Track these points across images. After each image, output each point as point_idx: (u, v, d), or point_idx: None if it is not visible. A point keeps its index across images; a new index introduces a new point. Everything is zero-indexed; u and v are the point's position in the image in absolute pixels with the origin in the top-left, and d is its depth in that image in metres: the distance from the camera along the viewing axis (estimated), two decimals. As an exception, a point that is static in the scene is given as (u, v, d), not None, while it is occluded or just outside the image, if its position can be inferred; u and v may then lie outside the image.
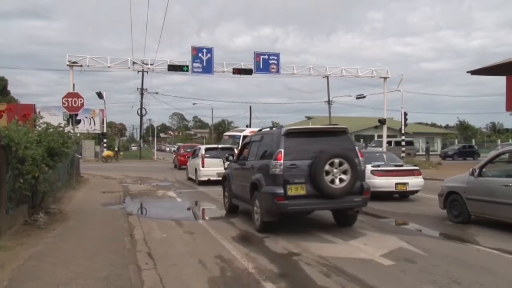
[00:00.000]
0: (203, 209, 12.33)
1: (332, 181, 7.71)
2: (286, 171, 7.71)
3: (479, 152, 43.45)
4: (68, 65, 25.30)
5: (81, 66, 25.77)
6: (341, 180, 7.76)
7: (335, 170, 7.73)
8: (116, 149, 43.97)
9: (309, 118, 62.36)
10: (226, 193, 11.07)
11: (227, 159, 11.27)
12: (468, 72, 23.51)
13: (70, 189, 14.56)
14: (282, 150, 7.82)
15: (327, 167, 7.68)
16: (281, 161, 7.74)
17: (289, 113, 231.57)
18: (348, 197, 7.89)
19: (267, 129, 9.57)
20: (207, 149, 18.22)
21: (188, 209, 12.70)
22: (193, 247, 7.16)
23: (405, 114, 31.55)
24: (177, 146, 45.53)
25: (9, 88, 51.18)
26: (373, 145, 40.12)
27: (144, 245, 7.25)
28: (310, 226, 8.58)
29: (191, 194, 15.10)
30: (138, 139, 70.61)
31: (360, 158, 8.20)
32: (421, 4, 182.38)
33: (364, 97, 38.86)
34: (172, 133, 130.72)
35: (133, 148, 77.38)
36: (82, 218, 9.47)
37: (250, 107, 57.71)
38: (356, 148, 8.63)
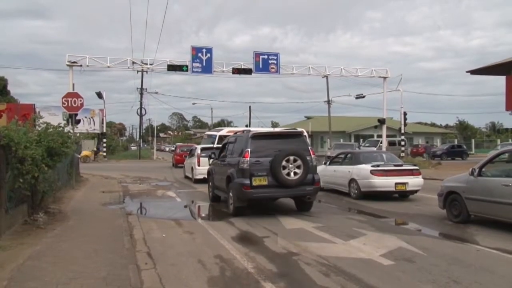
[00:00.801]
0: (202, 209, 12.32)
1: (288, 174, 9.70)
2: (252, 166, 9.73)
3: (468, 152, 43.37)
4: (67, 65, 25.33)
5: (80, 66, 25.80)
6: (295, 173, 9.74)
7: (290, 165, 9.73)
8: (95, 149, 42.84)
9: (308, 118, 62.41)
10: (210, 185, 12.99)
11: (210, 157, 13.39)
12: (467, 71, 23.56)
13: (69, 188, 14.56)
14: (249, 150, 9.84)
15: (283, 163, 9.68)
16: (248, 158, 9.76)
17: (289, 112, 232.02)
18: (301, 187, 9.88)
19: (240, 132, 11.54)
20: (202, 149, 18.94)
21: (188, 208, 12.71)
22: (193, 247, 7.16)
23: (405, 113, 31.58)
24: (175, 146, 47.07)
25: (8, 88, 51.04)
26: (367, 144, 39.34)
27: (143, 245, 7.25)
28: (309, 227, 8.58)
29: (191, 194, 15.10)
30: (137, 139, 70.63)
31: (312, 156, 10.26)
32: (420, 3, 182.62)
33: (363, 96, 38.91)
34: (171, 133, 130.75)
35: (132, 148, 77.40)
36: (82, 218, 9.47)
37: (250, 107, 57.68)
38: (309, 147, 10.66)
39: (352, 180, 13.00)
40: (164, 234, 8.15)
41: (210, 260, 6.28)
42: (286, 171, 9.68)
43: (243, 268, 5.88)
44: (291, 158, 9.72)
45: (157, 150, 59.91)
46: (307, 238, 7.67)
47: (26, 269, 5.55)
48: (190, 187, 17.14)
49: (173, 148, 53.72)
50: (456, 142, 51.34)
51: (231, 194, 10.28)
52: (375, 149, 28.13)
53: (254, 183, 9.66)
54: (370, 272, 5.60)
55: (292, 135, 10.82)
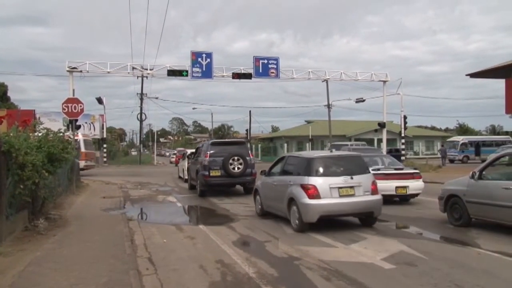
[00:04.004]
0: (203, 214, 12.31)
1: (233, 168, 14.75)
2: (210, 163, 14.82)
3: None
4: (68, 70, 25.34)
5: (81, 71, 25.81)
6: (238, 168, 14.77)
7: (235, 163, 14.77)
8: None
9: (309, 122, 62.36)
10: (188, 177, 18.58)
11: (188, 158, 19.67)
12: (467, 75, 23.62)
13: (70, 194, 14.55)
14: (208, 152, 15.05)
15: (231, 161, 14.71)
16: (207, 158, 14.93)
17: (289, 117, 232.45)
18: (242, 177, 14.91)
19: (205, 141, 18.60)
20: (192, 153, 21.18)
21: (188, 214, 12.70)
22: (194, 252, 7.15)
23: (405, 117, 31.58)
24: (174, 151, 56.89)
25: (9, 94, 51.12)
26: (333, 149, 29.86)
27: (144, 250, 7.25)
28: (310, 231, 8.57)
29: (191, 199, 15.10)
30: (138, 144, 70.65)
31: (251, 157, 15.56)
32: (418, 8, 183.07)
33: (363, 100, 38.94)
34: (172, 138, 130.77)
35: (133, 153, 77.40)
36: (83, 224, 9.46)
37: (250, 111, 57.51)
38: (249, 151, 16.27)
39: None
40: (165, 239, 8.14)
41: (211, 265, 6.27)
42: (232, 166, 14.72)
43: (244, 273, 5.87)
44: (236, 157, 14.80)
45: (157, 155, 59.93)
46: (308, 242, 7.66)
47: (27, 275, 5.54)
48: (190, 192, 17.12)
49: (173, 153, 56.82)
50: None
51: (198, 182, 15.47)
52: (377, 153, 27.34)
53: (211, 174, 14.79)
54: (371, 276, 5.59)
55: (238, 143, 16.91)
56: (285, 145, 55.27)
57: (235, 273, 5.86)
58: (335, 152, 10.80)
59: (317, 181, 8.57)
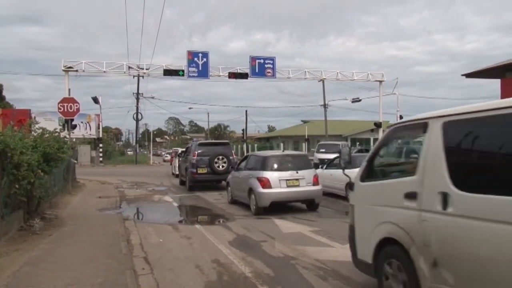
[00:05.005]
0: (199, 214, 12.31)
1: (218, 166, 16.47)
2: (197, 161, 16.59)
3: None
4: (64, 70, 25.25)
5: (76, 71, 25.73)
6: (222, 166, 16.49)
7: (219, 161, 16.51)
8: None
9: (305, 122, 62.40)
10: (179, 174, 20.60)
11: (179, 156, 22.25)
12: (463, 75, 23.64)
13: (66, 194, 14.50)
14: (196, 152, 16.86)
15: (216, 160, 16.47)
16: (195, 157, 16.67)
17: (285, 116, 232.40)
18: (226, 174, 15.02)
19: (193, 141, 21.85)
20: (182, 152, 23.25)
21: (185, 213, 12.69)
22: (190, 252, 7.15)
23: (401, 117, 31.59)
24: (168, 151, 62.75)
25: (4, 93, 50.80)
26: (322, 150, 27.99)
27: (140, 250, 7.23)
28: (307, 230, 8.58)
29: (188, 199, 15.07)
30: (134, 144, 70.43)
31: (234, 156, 17.57)
32: (414, 8, 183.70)
33: (359, 100, 39.06)
34: (168, 138, 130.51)
35: (129, 153, 77.16)
36: (78, 224, 9.43)
37: (246, 111, 57.50)
38: (232, 151, 18.45)
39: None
40: (161, 239, 8.13)
41: (208, 264, 6.27)
42: (217, 164, 16.48)
43: (240, 272, 5.87)
44: (220, 157, 16.57)
45: (153, 155, 59.75)
46: (304, 242, 7.67)
47: (23, 276, 5.52)
48: (187, 191, 17.10)
49: (169, 152, 58.51)
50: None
51: (187, 178, 17.30)
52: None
53: (198, 171, 16.57)
54: (368, 275, 5.59)
55: (222, 144, 18.94)
56: (281, 144, 55.26)
57: (231, 273, 5.86)
58: (285, 152, 13.43)
59: (269, 175, 10.79)
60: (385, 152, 5.22)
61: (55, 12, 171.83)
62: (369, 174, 5.01)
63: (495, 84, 24.62)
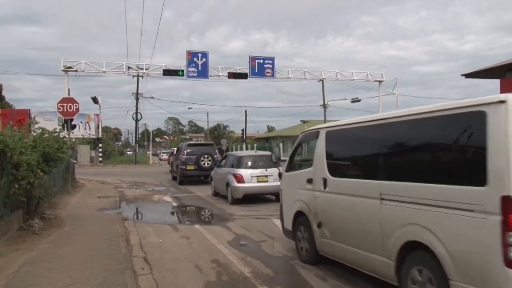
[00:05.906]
0: (199, 214, 12.32)
1: (204, 164, 19.06)
2: (186, 159, 19.35)
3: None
4: (63, 70, 25.29)
5: (76, 71, 25.77)
6: (207, 163, 18.95)
7: (205, 159, 19.07)
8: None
9: (304, 122, 62.38)
10: (171, 170, 23.54)
11: (172, 155, 25.08)
12: (462, 75, 23.66)
13: (65, 194, 14.50)
14: (185, 151, 19.65)
15: (202, 158, 19.10)
16: (185, 156, 19.41)
17: (284, 117, 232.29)
18: (210, 170, 16.64)
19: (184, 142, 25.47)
20: (174, 151, 26.72)
21: (184, 213, 12.69)
22: (189, 252, 7.15)
23: (400, 117, 31.70)
24: (166, 151, 63.10)
25: (3, 93, 50.68)
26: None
27: (140, 250, 7.23)
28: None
29: (187, 199, 15.08)
30: (133, 144, 70.37)
31: (217, 155, 19.88)
32: (412, 8, 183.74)
33: (359, 100, 39.11)
34: (167, 138, 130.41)
35: (128, 153, 77.12)
36: (78, 224, 9.44)
37: (246, 111, 57.31)
38: (216, 151, 20.58)
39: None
40: (161, 239, 8.13)
41: (207, 265, 6.28)
42: (203, 162, 19.09)
43: (240, 272, 5.88)
44: (206, 155, 19.20)
45: (153, 155, 59.70)
46: (303, 242, 7.66)
47: (22, 276, 5.52)
48: (186, 191, 17.11)
49: (165, 152, 60.61)
50: None
51: (178, 173, 20.26)
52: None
53: (187, 168, 19.39)
54: (367, 275, 5.60)
55: (208, 144, 21.94)
56: (281, 144, 55.26)
57: (231, 273, 5.86)
58: (257, 152, 15.25)
59: (243, 172, 12.80)
60: (300, 151, 7.06)
61: (54, 12, 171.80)
62: (290, 166, 6.97)
63: (492, 84, 24.64)
